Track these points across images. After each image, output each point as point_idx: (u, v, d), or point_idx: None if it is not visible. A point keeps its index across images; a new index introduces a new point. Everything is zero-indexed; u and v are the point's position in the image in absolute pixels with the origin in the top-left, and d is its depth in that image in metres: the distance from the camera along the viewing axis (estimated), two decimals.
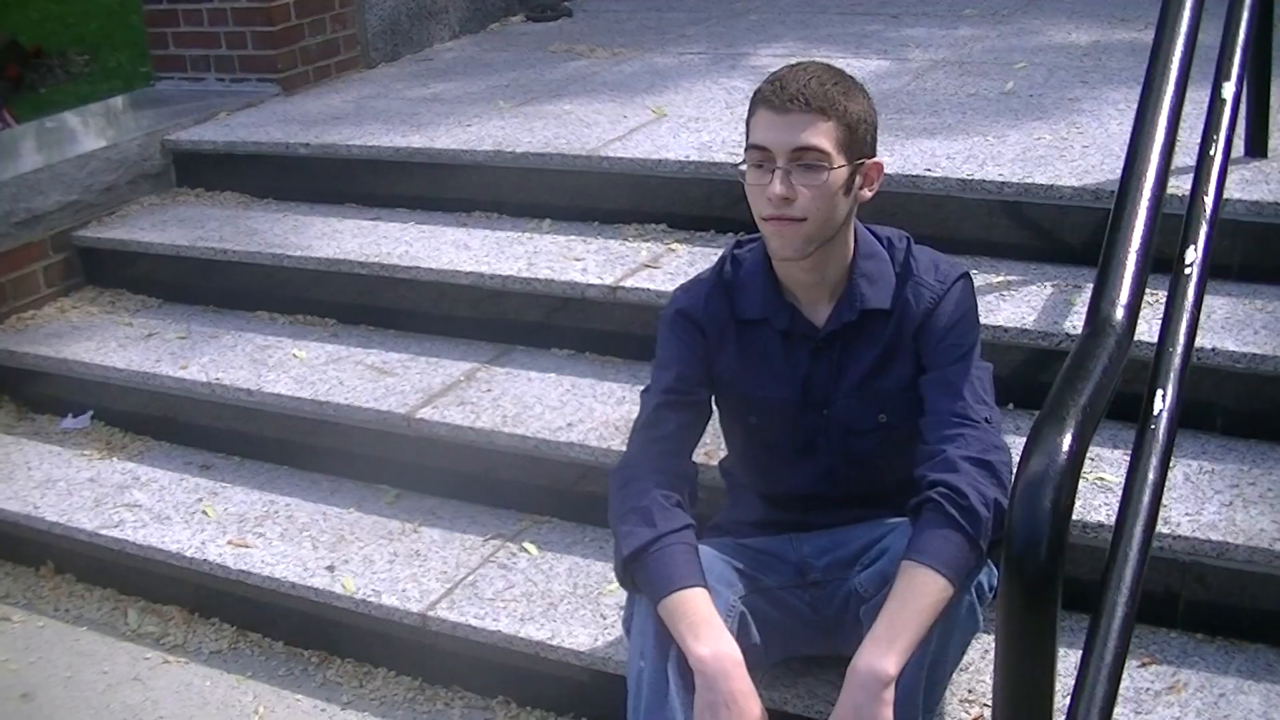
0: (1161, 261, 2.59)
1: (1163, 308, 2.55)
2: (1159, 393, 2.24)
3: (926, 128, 4.64)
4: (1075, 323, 3.55)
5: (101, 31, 11.80)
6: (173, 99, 6.23)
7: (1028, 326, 3.59)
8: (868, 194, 2.63)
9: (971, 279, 2.74)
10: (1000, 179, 4.01)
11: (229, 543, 3.91)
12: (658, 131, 4.93)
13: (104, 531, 4.05)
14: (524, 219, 4.86)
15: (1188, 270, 2.48)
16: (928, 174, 4.10)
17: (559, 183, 4.83)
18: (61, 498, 4.26)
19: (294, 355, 4.50)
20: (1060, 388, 1.66)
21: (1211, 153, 2.66)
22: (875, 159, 2.63)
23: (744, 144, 2.62)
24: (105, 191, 5.43)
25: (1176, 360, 2.33)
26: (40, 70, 10.77)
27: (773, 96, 2.51)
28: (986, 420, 2.57)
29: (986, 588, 2.58)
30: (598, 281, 4.21)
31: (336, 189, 5.29)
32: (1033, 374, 3.60)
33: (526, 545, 3.75)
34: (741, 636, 2.61)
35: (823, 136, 2.49)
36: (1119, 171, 2.39)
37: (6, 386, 4.94)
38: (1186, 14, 2.50)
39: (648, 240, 4.50)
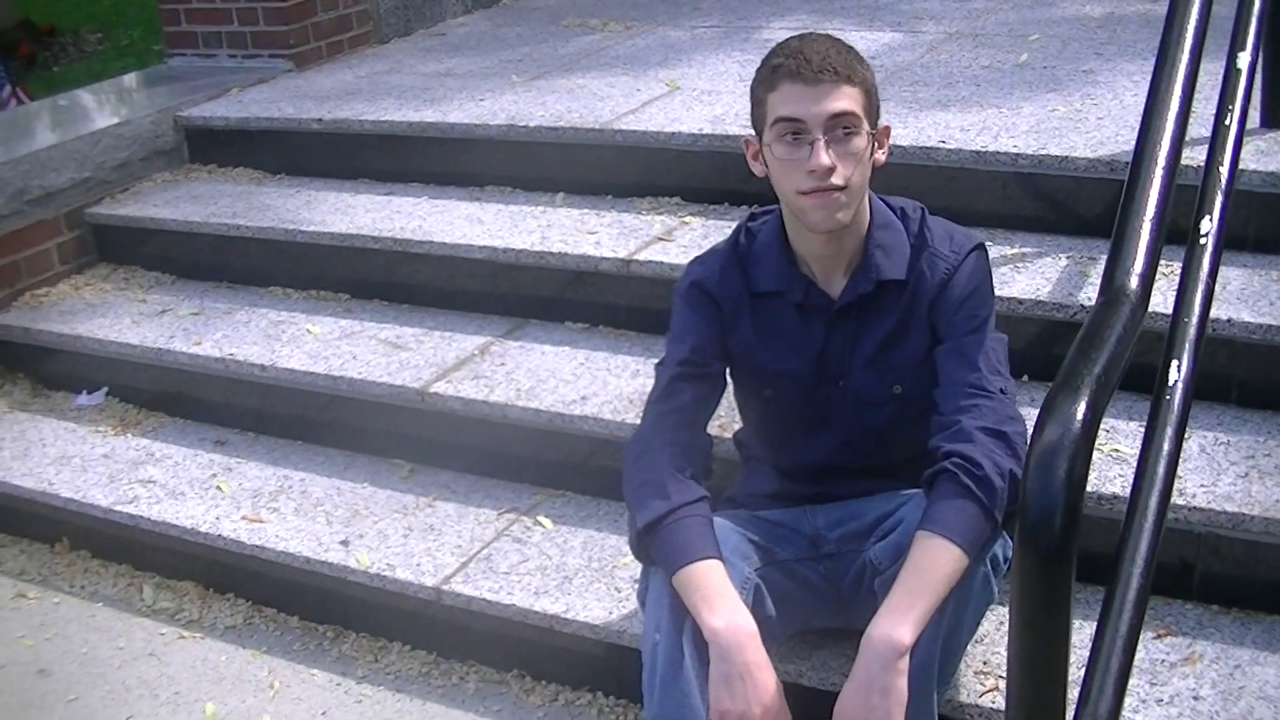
0: (1177, 232, 2.58)
1: (1178, 278, 2.54)
2: (1174, 363, 2.23)
3: (940, 100, 4.62)
4: (1090, 294, 3.53)
5: (114, 9, 11.81)
6: (185, 75, 6.23)
7: (1043, 298, 3.57)
8: (881, 158, 2.65)
9: (986, 249, 2.74)
10: (1014, 150, 4.00)
11: (243, 518, 3.91)
12: (671, 105, 4.92)
13: (119, 508, 4.06)
14: (537, 193, 4.86)
15: (1203, 241, 2.47)
16: (942, 146, 4.08)
17: (572, 156, 4.82)
18: (76, 474, 4.26)
19: (307, 330, 4.49)
20: (1074, 358, 1.65)
21: (1227, 123, 2.65)
22: (884, 123, 2.67)
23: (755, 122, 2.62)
24: (118, 168, 5.43)
25: (1191, 331, 2.33)
26: (53, 48, 10.80)
27: (800, 69, 2.51)
28: (1001, 391, 2.56)
29: (1001, 559, 2.58)
30: (611, 255, 4.20)
31: (349, 164, 5.28)
32: (1048, 346, 3.58)
33: (541, 519, 3.75)
34: (756, 609, 2.60)
35: (853, 102, 2.52)
36: (1133, 143, 2.38)
37: (21, 364, 4.95)
38: None
39: (661, 213, 4.49)
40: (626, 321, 4.22)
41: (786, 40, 2.62)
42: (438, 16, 7.02)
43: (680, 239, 4.25)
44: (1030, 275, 3.70)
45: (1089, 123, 4.22)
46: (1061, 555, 1.52)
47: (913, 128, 4.27)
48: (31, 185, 5.08)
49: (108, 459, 4.35)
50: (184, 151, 5.69)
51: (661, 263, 4.10)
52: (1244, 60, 2.81)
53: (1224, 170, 2.59)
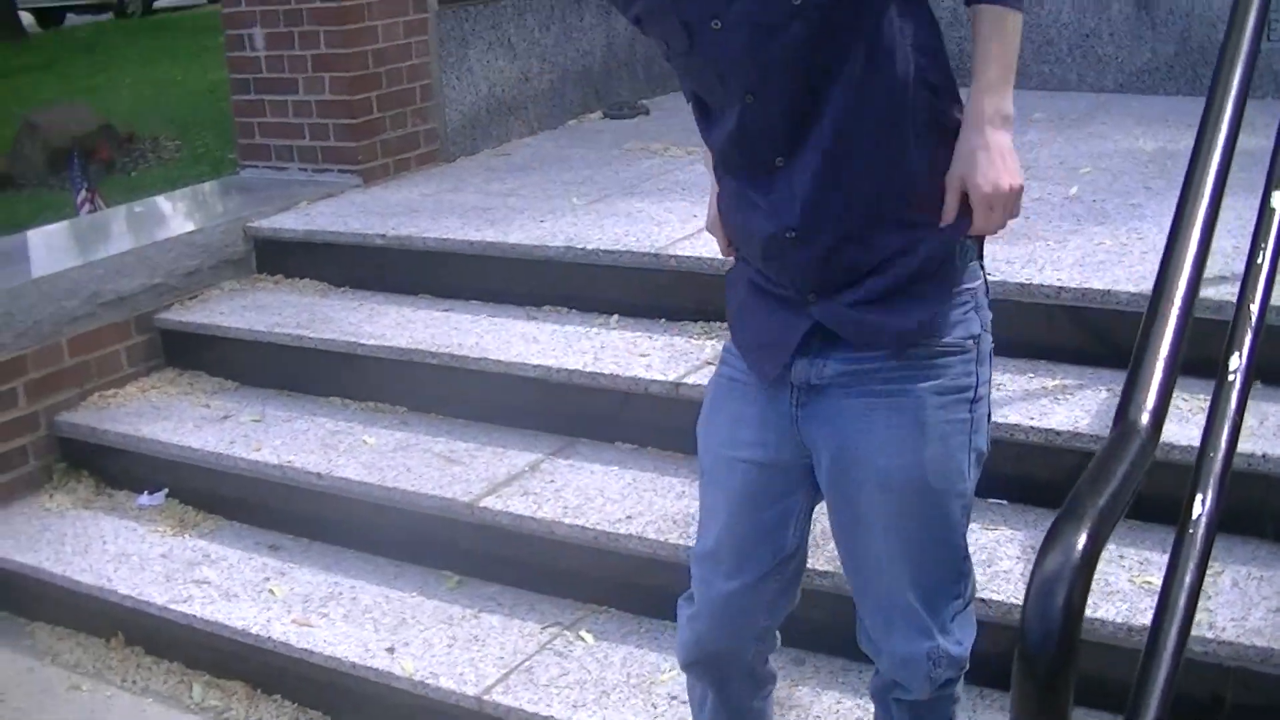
0: (1207, 365, 2.64)
1: (1205, 413, 2.60)
2: (1198, 497, 2.28)
3: None
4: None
5: (191, 117, 12.07)
6: (256, 187, 6.40)
7: (1081, 429, 3.62)
8: None
9: None
10: (1058, 284, 4.07)
11: (293, 621, 4.00)
12: None
13: (173, 606, 4.15)
14: (592, 314, 4.96)
15: (1231, 377, 2.52)
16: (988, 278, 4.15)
17: (627, 280, 4.92)
18: (134, 572, 4.36)
19: (364, 441, 4.60)
20: (1080, 489, 1.71)
21: (1259, 261, 2.70)
22: None
23: None
24: (188, 275, 5.58)
25: (1217, 466, 2.37)
26: (131, 153, 11.06)
27: None
28: None
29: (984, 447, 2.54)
30: (661, 378, 4.29)
31: (411, 280, 5.41)
32: None
33: (583, 634, 3.82)
34: None
35: None
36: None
37: (87, 462, 5.07)
38: (1225, 123, 2.56)
39: (712, 337, 4.57)
40: (674, 443, 4.28)
41: None
42: (503, 137, 7.18)
43: None
44: (1070, 407, 3.75)
45: (1133, 256, 4.29)
46: (1058, 682, 1.57)
47: None
48: (105, 289, 5.23)
49: (165, 558, 4.45)
50: (252, 261, 5.84)
51: None
52: (1278, 199, 2.87)
53: (1254, 309, 2.65)
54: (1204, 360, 2.55)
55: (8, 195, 10.34)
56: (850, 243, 2.34)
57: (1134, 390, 1.95)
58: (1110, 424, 3.59)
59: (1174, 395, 2.07)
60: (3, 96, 14.86)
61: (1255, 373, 2.54)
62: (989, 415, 2.50)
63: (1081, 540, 1.60)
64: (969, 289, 2.45)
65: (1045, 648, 1.55)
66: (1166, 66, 7.08)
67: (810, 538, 2.67)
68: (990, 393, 2.49)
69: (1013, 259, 4.32)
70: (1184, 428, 3.45)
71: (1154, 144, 5.87)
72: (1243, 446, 2.74)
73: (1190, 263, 2.20)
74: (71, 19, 27.07)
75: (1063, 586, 1.56)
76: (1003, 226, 2.39)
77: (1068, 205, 4.99)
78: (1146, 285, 3.94)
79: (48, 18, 26.61)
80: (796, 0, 2.20)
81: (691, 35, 2.30)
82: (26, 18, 24.29)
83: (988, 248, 2.57)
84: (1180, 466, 2.54)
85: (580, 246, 5.02)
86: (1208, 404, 2.44)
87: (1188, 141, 5.13)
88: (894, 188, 2.33)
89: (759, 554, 2.58)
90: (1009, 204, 2.33)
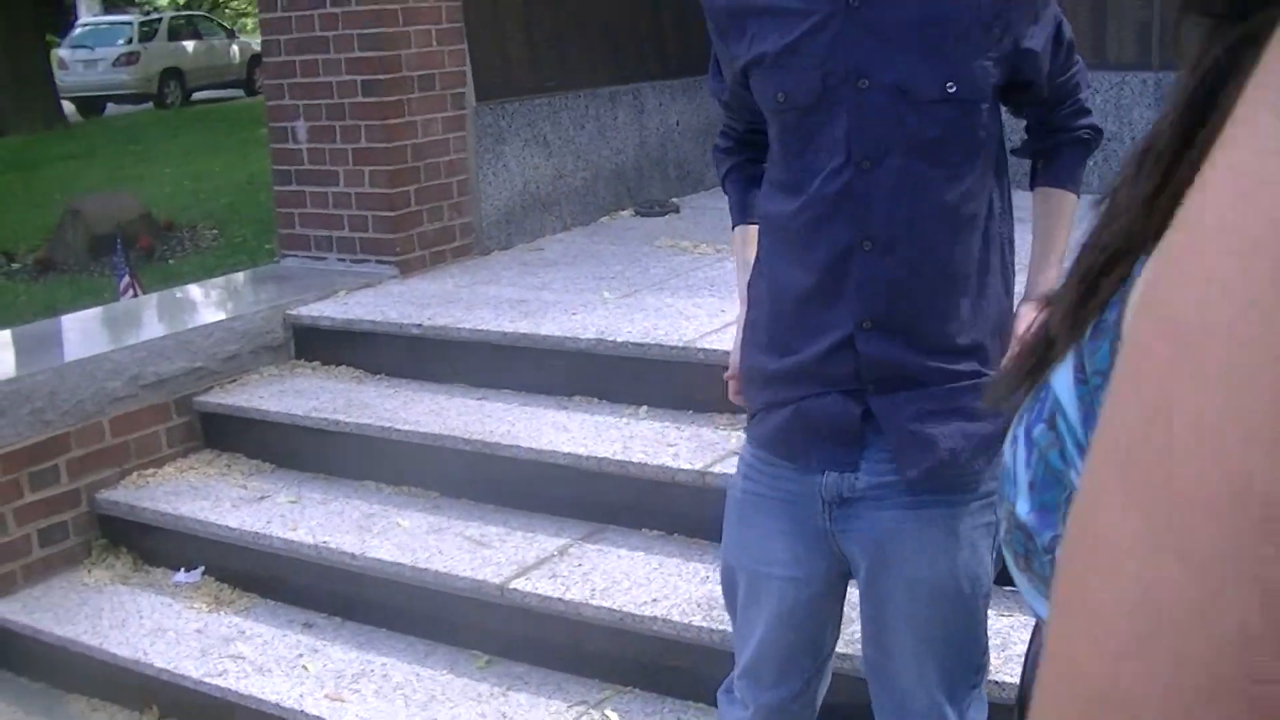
0: None
1: None
2: None
3: None
4: None
5: (230, 208, 12.30)
6: (296, 275, 6.57)
7: None
8: None
9: None
10: None
11: (325, 696, 4.10)
12: None
13: (208, 680, 4.26)
14: (622, 405, 5.09)
15: None
16: None
17: (656, 372, 5.05)
18: (170, 646, 4.48)
19: (398, 524, 4.72)
20: None
21: None
22: None
23: None
24: (227, 360, 5.73)
25: None
26: (170, 242, 11.26)
27: None
28: (1081, 82, 2.65)
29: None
30: (688, 467, 4.41)
31: (446, 368, 5.55)
32: None
33: (609, 713, 3.91)
34: None
35: None
36: None
37: (126, 539, 5.20)
38: None
39: (738, 429, 4.68)
40: (700, 530, 4.39)
41: None
42: (537, 232, 7.35)
43: None
44: None
45: None
46: None
47: None
48: (146, 371, 5.38)
49: (200, 634, 4.56)
50: (290, 347, 5.99)
51: None
52: None
53: None
54: None
55: (49, 279, 10.56)
56: (919, 348, 2.45)
57: None
58: None
59: None
60: (45, 183, 15.14)
61: None
62: None
63: None
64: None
65: None
66: None
67: None
68: None
69: None
70: None
71: None
72: None
73: None
74: (111, 108, 27.54)
75: None
76: None
77: None
78: None
79: (89, 106, 27.08)
80: (951, 88, 2.33)
81: (826, 90, 2.38)
82: (68, 106, 24.70)
83: None
84: None
85: (611, 339, 5.16)
86: None
87: None
88: (967, 295, 2.47)
89: (801, 664, 2.68)
90: None
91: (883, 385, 2.45)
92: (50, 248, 11.18)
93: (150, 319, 6.04)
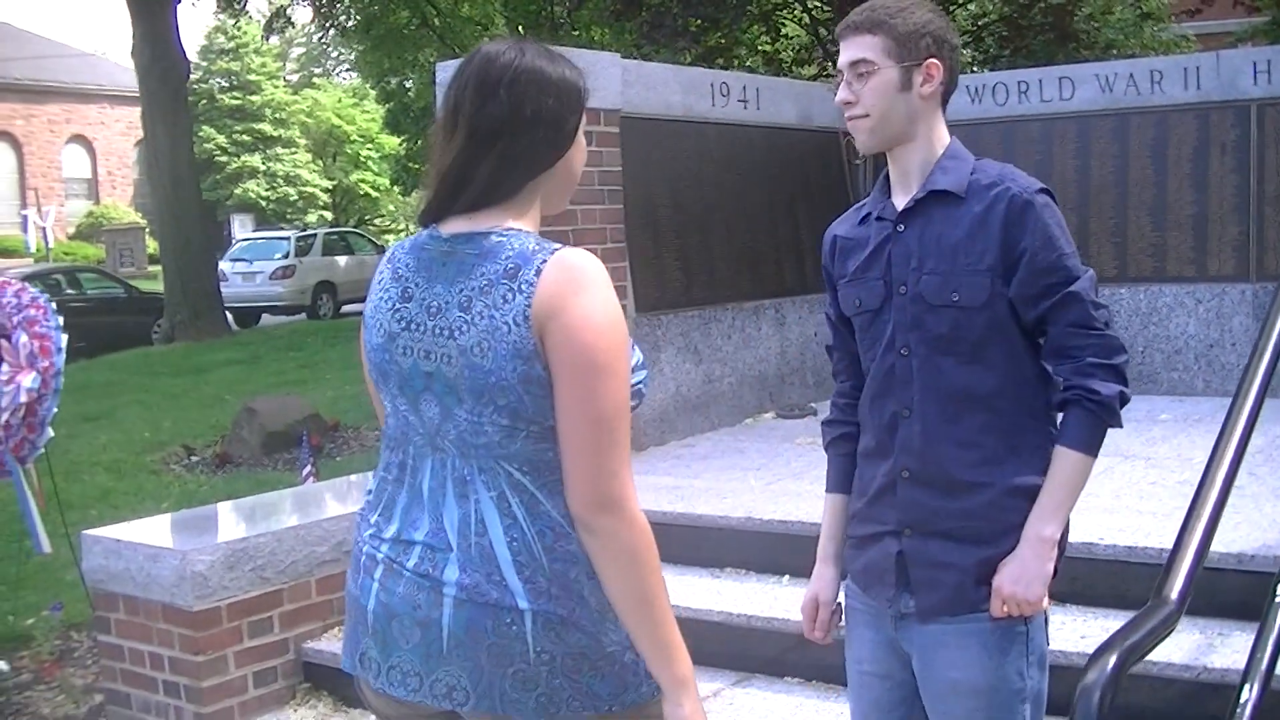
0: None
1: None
2: (1245, 686, 3.00)
3: (1107, 508, 5.50)
4: (1218, 662, 4.34)
5: None
6: None
7: (1174, 661, 4.36)
8: (927, 90, 3.03)
9: (1053, 195, 3.05)
10: (1160, 546, 4.77)
11: None
12: None
13: None
14: (767, 574, 5.79)
15: (1278, 600, 3.24)
16: (1099, 542, 4.95)
17: (798, 546, 5.59)
18: None
19: None
20: (1115, 634, 2.49)
21: None
22: (931, 59, 3.02)
23: None
24: None
25: (1263, 666, 3.08)
26: (338, 440, 12.00)
27: (840, 29, 3.09)
28: (1105, 325, 2.97)
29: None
30: None
31: None
32: (1184, 707, 4.33)
33: None
34: None
35: (868, 49, 3.00)
36: (1264, 542, 3.00)
37: (328, 684, 5.92)
38: (1244, 415, 3.32)
39: None
40: (836, 677, 4.87)
41: None
42: (688, 431, 8.12)
43: None
44: (1169, 646, 4.42)
45: (1228, 525, 4.93)
46: None
47: (1079, 529, 5.07)
48: (349, 539, 6.02)
49: None
50: None
51: None
52: None
53: None
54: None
55: (227, 473, 11.34)
56: (945, 494, 3.05)
57: (1168, 576, 2.73)
58: (1199, 657, 4.29)
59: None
60: (216, 385, 16.13)
61: None
62: (1046, 620, 3.12)
63: (1111, 662, 2.38)
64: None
65: None
66: None
67: None
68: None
69: (1125, 528, 5.08)
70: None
71: (1264, 439, 6.56)
72: None
73: (1206, 518, 2.99)
74: (266, 319, 28.69)
75: (1097, 691, 2.34)
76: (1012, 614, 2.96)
77: (1179, 487, 5.76)
78: (1236, 547, 4.69)
79: (245, 317, 28.24)
80: (955, 296, 2.98)
81: (889, 295, 3.08)
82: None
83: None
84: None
85: (757, 518, 5.88)
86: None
87: None
88: (984, 449, 3.04)
89: None
90: (1019, 606, 2.93)
91: (917, 528, 3.08)
92: (227, 444, 11.98)
93: (347, 495, 6.80)
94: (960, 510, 3.01)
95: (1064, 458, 2.94)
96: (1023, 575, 2.91)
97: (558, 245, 2.52)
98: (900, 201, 3.10)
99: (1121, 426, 2.97)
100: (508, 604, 2.44)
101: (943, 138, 3.10)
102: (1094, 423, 2.93)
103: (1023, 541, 2.95)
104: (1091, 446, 2.94)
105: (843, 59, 3.06)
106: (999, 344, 3.01)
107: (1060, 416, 2.98)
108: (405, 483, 2.61)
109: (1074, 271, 2.95)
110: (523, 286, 2.44)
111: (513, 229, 2.52)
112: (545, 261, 2.46)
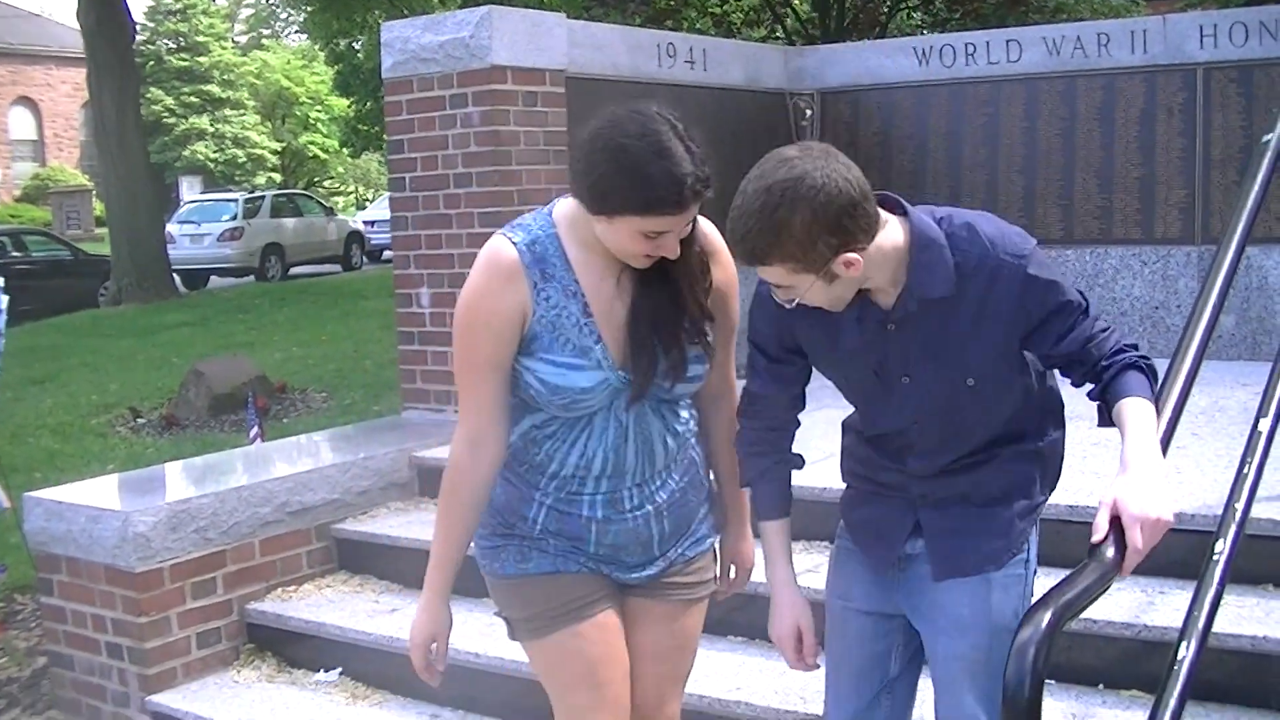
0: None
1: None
2: (1183, 644, 3.00)
3: None
4: (1159, 620, 4.38)
5: (338, 373, 13.01)
6: (418, 425, 7.35)
7: (1114, 620, 4.40)
8: (855, 271, 2.83)
9: (1038, 249, 2.99)
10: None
11: None
12: None
13: None
14: None
15: (1215, 558, 3.24)
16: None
17: None
18: None
19: None
20: (1051, 590, 2.50)
21: (1245, 471, 3.43)
22: (844, 255, 2.80)
23: None
24: (361, 494, 6.48)
25: (1200, 624, 3.08)
26: (284, 403, 11.97)
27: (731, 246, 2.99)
28: (1107, 326, 3.04)
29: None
30: None
31: None
32: (1128, 660, 4.38)
33: None
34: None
35: (776, 276, 2.87)
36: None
37: (271, 644, 5.93)
38: (1183, 374, 3.32)
39: None
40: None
41: (736, 198, 2.84)
42: None
43: None
44: (1110, 604, 4.45)
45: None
46: (1032, 710, 2.35)
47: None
48: (293, 500, 6.14)
49: None
50: (415, 485, 6.75)
51: None
52: (1265, 424, 3.60)
53: (1239, 507, 3.38)
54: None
55: (174, 435, 11.29)
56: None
57: (1105, 541, 2.73)
58: (1138, 615, 4.30)
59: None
60: (163, 348, 16.05)
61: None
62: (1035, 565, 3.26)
63: (1046, 619, 2.39)
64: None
65: (1020, 688, 2.34)
66: (1228, 335, 7.90)
67: None
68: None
69: (1066, 487, 5.08)
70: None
71: (1207, 399, 6.59)
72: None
73: None
74: (214, 281, 28.60)
75: (1031, 648, 2.35)
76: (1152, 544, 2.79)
77: (1120, 447, 5.70)
78: (1178, 508, 4.66)
79: (193, 279, 28.13)
80: (970, 382, 3.03)
81: (887, 384, 3.09)
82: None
83: None
84: None
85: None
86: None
87: (1239, 395, 5.94)
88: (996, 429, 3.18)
89: (871, 678, 3.35)
90: (1155, 533, 2.79)
91: (930, 497, 3.20)
92: (174, 406, 11.94)
93: (292, 457, 6.79)
94: (971, 480, 3.18)
95: (1139, 405, 2.93)
96: (1151, 499, 2.84)
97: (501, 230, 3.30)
98: (883, 302, 3.01)
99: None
100: None
101: (896, 240, 2.93)
102: (1152, 379, 2.99)
103: (1133, 471, 2.90)
104: (1152, 399, 2.97)
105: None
106: (1012, 391, 3.14)
107: (1113, 384, 2.98)
108: None
109: (1077, 301, 3.00)
110: None
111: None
112: None
